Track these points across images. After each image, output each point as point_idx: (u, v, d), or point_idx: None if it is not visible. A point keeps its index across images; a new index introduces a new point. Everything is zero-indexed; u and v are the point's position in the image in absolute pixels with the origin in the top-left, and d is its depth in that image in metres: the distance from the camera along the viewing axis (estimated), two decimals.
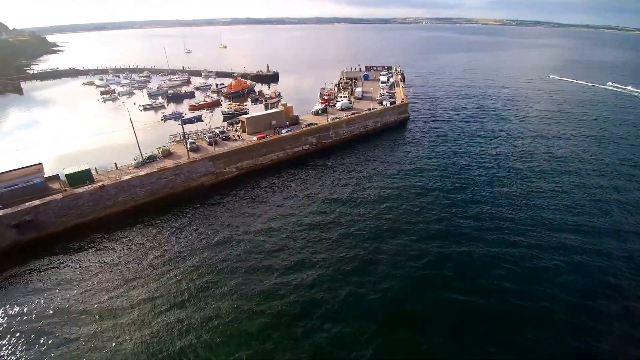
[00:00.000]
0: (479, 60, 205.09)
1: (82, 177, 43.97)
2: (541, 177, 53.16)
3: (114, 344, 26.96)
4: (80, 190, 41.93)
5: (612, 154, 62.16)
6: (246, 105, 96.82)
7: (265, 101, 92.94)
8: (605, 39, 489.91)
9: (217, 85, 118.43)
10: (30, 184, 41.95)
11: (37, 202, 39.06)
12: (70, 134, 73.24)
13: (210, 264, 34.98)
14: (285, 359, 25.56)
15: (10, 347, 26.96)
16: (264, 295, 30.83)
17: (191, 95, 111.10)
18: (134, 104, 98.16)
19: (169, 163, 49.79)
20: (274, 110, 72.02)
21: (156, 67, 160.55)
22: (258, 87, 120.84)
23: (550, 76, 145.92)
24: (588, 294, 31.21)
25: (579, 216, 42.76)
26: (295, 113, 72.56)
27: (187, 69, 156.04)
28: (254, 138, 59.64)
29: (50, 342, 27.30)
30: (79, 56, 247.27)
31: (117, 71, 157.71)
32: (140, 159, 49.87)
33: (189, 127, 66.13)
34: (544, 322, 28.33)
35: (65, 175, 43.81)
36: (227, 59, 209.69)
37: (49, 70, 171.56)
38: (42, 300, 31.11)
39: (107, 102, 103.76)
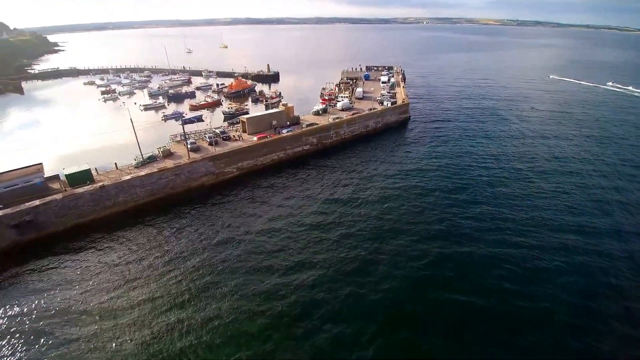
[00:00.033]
0: (479, 61, 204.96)
1: (82, 177, 43.93)
2: (542, 177, 53.07)
3: (114, 345, 26.92)
4: (80, 190, 41.89)
5: (613, 155, 62.03)
6: (247, 105, 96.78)
7: (266, 101, 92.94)
8: (606, 39, 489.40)
9: (217, 85, 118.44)
10: (30, 184, 41.92)
11: (37, 202, 39.03)
12: (71, 133, 73.22)
13: (211, 265, 34.93)
14: None
15: (10, 347, 26.93)
16: (264, 296, 30.78)
17: (192, 95, 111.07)
18: (135, 103, 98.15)
19: (169, 163, 49.74)
20: (274, 110, 71.96)
21: (157, 67, 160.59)
22: (259, 87, 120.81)
23: (551, 76, 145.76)
24: (589, 294, 31.13)
25: (580, 217, 42.67)
26: (295, 113, 72.49)
27: (187, 68, 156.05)
28: (255, 138, 59.59)
29: (50, 342, 27.26)
30: (79, 56, 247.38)
31: (117, 71, 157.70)
32: (141, 159, 49.82)
33: (189, 127, 66.12)
34: (544, 323, 28.25)
35: (66, 175, 43.77)
36: (228, 59, 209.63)
37: (49, 70, 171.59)
38: (42, 301, 31.07)
39: (107, 102, 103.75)
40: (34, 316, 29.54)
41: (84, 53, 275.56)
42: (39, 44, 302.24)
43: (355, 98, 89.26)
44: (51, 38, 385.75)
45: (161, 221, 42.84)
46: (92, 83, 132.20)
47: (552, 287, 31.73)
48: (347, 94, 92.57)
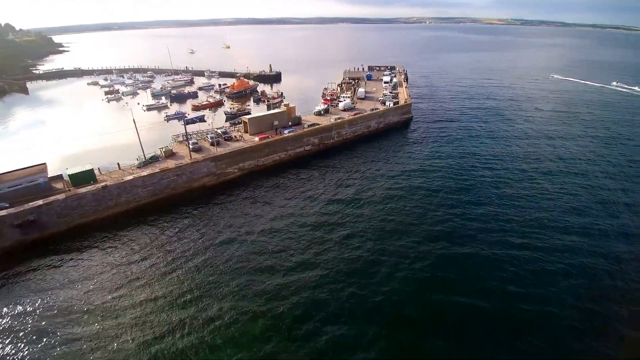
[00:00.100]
0: (482, 60, 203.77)
1: (85, 177, 44.08)
2: (547, 178, 52.55)
3: (116, 344, 26.95)
4: (83, 190, 42.03)
5: (619, 156, 61.32)
6: (249, 105, 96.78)
7: (268, 101, 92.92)
8: (611, 39, 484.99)
9: (220, 85, 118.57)
10: (34, 183, 42.18)
11: (40, 202, 39.19)
12: (75, 133, 73.58)
13: (213, 265, 34.89)
14: None
15: (13, 346, 27.05)
16: (266, 297, 30.68)
17: (194, 95, 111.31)
18: (138, 104, 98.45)
19: (171, 163, 49.80)
20: (276, 110, 71.89)
21: (160, 68, 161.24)
22: (261, 87, 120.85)
23: (555, 76, 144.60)
24: (595, 297, 30.73)
25: (586, 218, 42.19)
26: (297, 113, 72.36)
27: (190, 69, 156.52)
28: (256, 138, 59.53)
29: (52, 341, 27.35)
30: (84, 56, 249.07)
31: (121, 71, 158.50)
32: (143, 159, 49.92)
33: (191, 128, 66.19)
34: (549, 326, 27.91)
35: (69, 175, 43.95)
36: (230, 59, 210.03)
37: (54, 70, 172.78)
38: (44, 300, 31.19)
39: (111, 102, 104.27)
40: (36, 315, 29.66)
41: (88, 53, 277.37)
42: (44, 44, 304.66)
43: (357, 98, 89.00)
44: (56, 39, 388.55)
45: (163, 221, 42.88)
46: (95, 83, 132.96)
47: (556, 290, 31.36)
48: (349, 94, 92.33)
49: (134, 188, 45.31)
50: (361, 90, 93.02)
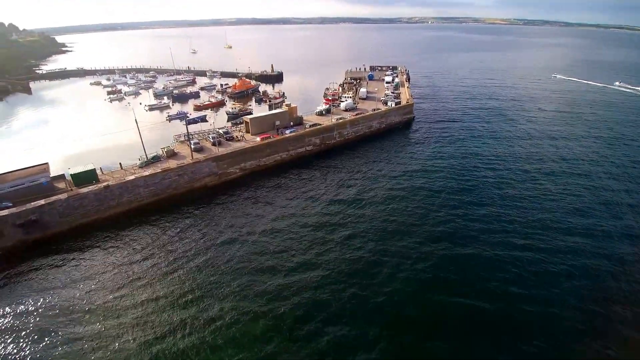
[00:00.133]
0: (485, 60, 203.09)
1: (87, 177, 44.18)
2: (550, 179, 52.25)
3: (117, 344, 26.97)
4: (85, 190, 42.12)
5: (622, 156, 60.89)
6: (250, 105, 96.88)
7: (270, 101, 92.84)
8: (615, 38, 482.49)
9: (221, 85, 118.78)
10: (36, 183, 42.31)
11: (42, 201, 39.31)
12: (77, 133, 73.79)
13: (214, 265, 34.88)
14: None
15: (15, 345, 27.11)
16: (267, 297, 30.63)
17: (196, 95, 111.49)
18: (140, 104, 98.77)
19: (172, 163, 49.85)
20: (277, 110, 71.82)
21: (162, 68, 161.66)
22: (262, 87, 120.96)
23: (557, 76, 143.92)
24: (599, 299, 30.49)
25: (589, 219, 41.89)
26: (299, 113, 72.31)
27: (192, 69, 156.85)
28: (258, 138, 59.51)
29: (54, 340, 27.40)
30: (87, 56, 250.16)
31: (123, 71, 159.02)
32: (145, 159, 50.01)
33: (193, 128, 66.25)
34: (551, 328, 27.71)
35: (71, 175, 44.04)
36: (233, 59, 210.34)
37: (57, 70, 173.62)
38: (46, 299, 31.26)
39: (113, 102, 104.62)
40: (38, 314, 29.73)
41: (91, 54, 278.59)
42: (47, 44, 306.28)
43: (359, 98, 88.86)
44: (59, 39, 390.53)
45: (165, 221, 42.92)
46: (98, 83, 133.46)
47: (559, 291, 31.15)
48: (350, 94, 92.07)
49: (135, 188, 45.38)
50: (363, 90, 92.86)
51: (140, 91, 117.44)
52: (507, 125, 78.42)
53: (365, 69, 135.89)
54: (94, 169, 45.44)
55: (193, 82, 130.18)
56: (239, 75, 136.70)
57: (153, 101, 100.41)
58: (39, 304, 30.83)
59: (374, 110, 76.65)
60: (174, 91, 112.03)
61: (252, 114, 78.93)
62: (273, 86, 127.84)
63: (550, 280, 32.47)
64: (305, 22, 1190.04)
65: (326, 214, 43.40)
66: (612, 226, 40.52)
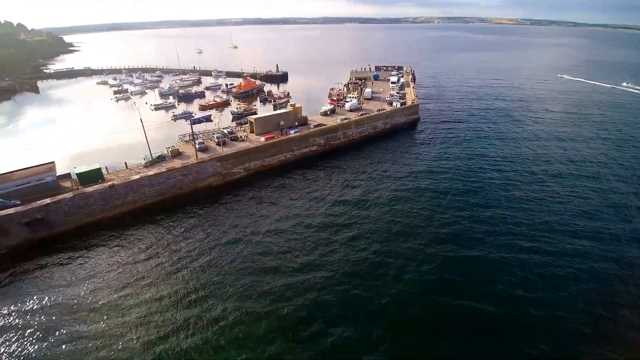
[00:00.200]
0: (491, 60, 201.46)
1: (92, 176, 44.44)
2: (557, 181, 51.54)
3: (121, 343, 27.04)
4: (90, 189, 42.37)
5: (631, 158, 59.89)
6: (255, 105, 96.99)
7: (274, 101, 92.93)
8: (623, 39, 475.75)
9: (226, 85, 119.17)
10: (42, 182, 42.64)
11: (48, 200, 39.62)
12: (83, 132, 74.39)
13: (218, 265, 34.87)
14: None
15: (19, 343, 27.31)
16: (270, 298, 30.54)
17: (201, 95, 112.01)
18: (146, 103, 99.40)
19: (177, 163, 50.00)
20: (282, 110, 71.83)
21: (168, 67, 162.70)
22: (267, 87, 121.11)
23: (564, 76, 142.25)
24: (606, 303, 29.97)
25: (597, 222, 41.21)
26: (303, 113, 72.24)
27: (198, 69, 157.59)
28: (262, 139, 59.50)
29: (59, 338, 27.56)
30: (94, 56, 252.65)
31: (130, 71, 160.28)
32: (150, 159, 50.22)
33: (198, 127, 66.50)
34: (558, 332, 27.26)
35: (77, 174, 44.36)
36: (238, 59, 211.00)
37: (64, 69, 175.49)
38: (51, 298, 31.47)
39: (119, 102, 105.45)
40: (43, 312, 29.93)
41: (98, 53, 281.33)
42: (55, 44, 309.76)
43: (364, 98, 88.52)
44: (67, 38, 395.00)
45: (169, 221, 43.04)
46: (105, 83, 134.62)
47: (566, 295, 30.68)
48: (355, 94, 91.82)
49: (140, 187, 45.57)
50: (368, 90, 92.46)
51: (147, 91, 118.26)
52: (513, 126, 77.59)
53: (370, 69, 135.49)
54: (100, 168, 45.71)
55: (198, 82, 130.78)
56: (244, 75, 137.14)
57: (159, 101, 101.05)
58: (44, 302, 31.05)
59: (379, 110, 76.28)
60: (180, 91, 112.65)
61: (256, 114, 78.95)
62: (278, 86, 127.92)
63: (557, 283, 31.98)
64: (310, 22, 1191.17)
65: (330, 215, 43.22)
66: (621, 229, 39.83)
